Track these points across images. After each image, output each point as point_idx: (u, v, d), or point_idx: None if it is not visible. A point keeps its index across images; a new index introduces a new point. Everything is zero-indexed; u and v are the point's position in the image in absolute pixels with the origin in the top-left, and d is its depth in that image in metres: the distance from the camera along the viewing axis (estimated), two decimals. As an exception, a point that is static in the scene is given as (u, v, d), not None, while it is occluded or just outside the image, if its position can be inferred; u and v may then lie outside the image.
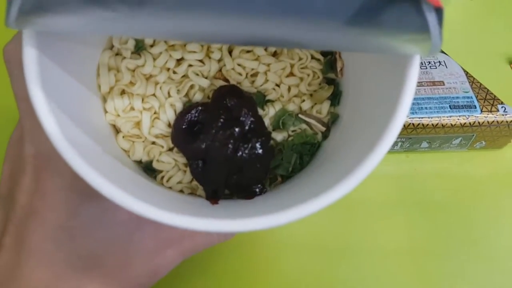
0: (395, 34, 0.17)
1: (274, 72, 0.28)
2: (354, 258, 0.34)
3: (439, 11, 0.17)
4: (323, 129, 0.28)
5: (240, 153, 0.25)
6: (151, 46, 0.27)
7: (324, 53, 0.28)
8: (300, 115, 0.28)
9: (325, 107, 0.28)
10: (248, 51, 0.28)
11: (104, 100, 0.27)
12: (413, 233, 0.34)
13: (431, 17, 0.17)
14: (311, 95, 0.28)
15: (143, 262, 0.26)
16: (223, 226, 0.19)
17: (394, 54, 0.20)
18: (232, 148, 0.25)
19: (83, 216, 0.25)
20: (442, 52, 0.37)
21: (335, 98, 0.28)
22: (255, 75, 0.28)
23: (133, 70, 0.27)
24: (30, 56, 0.19)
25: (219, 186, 0.26)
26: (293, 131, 0.28)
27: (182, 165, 0.27)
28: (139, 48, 0.27)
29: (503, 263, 0.34)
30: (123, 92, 0.27)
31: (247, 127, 0.26)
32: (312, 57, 0.28)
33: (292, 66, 0.28)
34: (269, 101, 0.28)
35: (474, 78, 0.36)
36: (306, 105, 0.28)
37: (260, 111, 0.27)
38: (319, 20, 0.16)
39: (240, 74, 0.27)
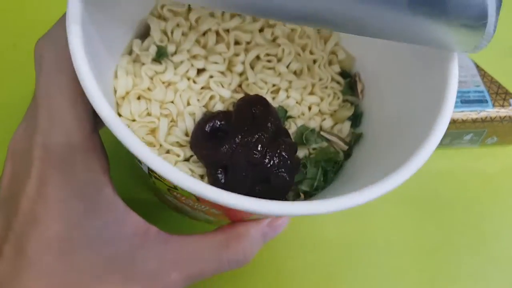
0: (454, 18, 0.18)
1: (295, 89, 0.27)
2: (361, 255, 0.32)
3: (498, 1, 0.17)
4: (345, 147, 0.27)
5: (268, 160, 0.24)
6: (173, 54, 0.26)
7: (344, 76, 0.29)
8: (322, 133, 0.27)
9: (346, 127, 0.27)
10: (269, 68, 0.28)
11: (118, 105, 0.25)
12: (423, 231, 0.33)
13: (491, 4, 0.17)
14: (331, 115, 0.28)
15: (145, 283, 0.23)
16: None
17: (439, 45, 0.20)
18: (259, 153, 0.23)
19: (86, 228, 0.22)
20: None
21: (356, 118, 0.28)
22: (275, 92, 0.27)
23: (152, 78, 0.26)
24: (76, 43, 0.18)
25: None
26: (314, 149, 0.27)
27: (199, 177, 0.25)
28: (161, 55, 0.26)
29: None
30: (139, 98, 0.26)
31: (274, 135, 0.24)
32: (332, 79, 0.28)
33: (313, 85, 0.28)
34: (290, 117, 0.27)
35: (485, 72, 0.35)
36: (327, 124, 0.27)
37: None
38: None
39: (261, 88, 0.27)
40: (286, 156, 0.24)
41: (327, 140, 0.27)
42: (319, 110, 0.28)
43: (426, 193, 0.34)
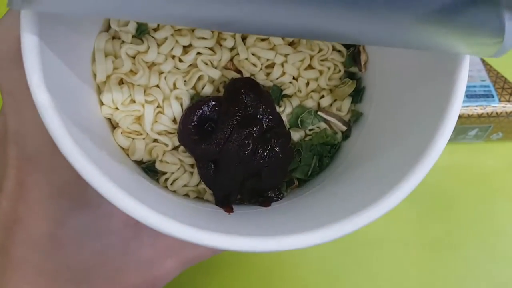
0: (468, 35, 0.15)
1: (291, 64, 0.25)
2: (362, 251, 0.33)
3: None
4: (344, 128, 0.25)
5: (259, 155, 0.22)
6: (155, 30, 0.24)
7: (346, 45, 0.26)
8: (319, 113, 0.25)
9: (346, 104, 0.25)
10: (263, 39, 0.25)
11: (99, 90, 0.24)
12: (426, 226, 0.33)
13: (509, 25, 0.15)
14: (330, 90, 0.26)
15: (139, 273, 0.23)
16: (239, 244, 0.16)
17: (447, 52, 0.18)
18: (250, 150, 0.22)
19: (73, 225, 0.22)
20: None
21: (357, 94, 0.26)
22: (270, 66, 0.25)
23: (134, 57, 0.24)
24: (30, 44, 0.15)
25: (232, 191, 0.23)
26: (311, 130, 0.25)
27: (189, 166, 0.24)
28: (142, 31, 0.24)
29: None
30: (121, 82, 0.24)
31: (265, 126, 0.23)
32: (334, 49, 0.26)
33: (311, 58, 0.25)
34: (285, 96, 0.25)
35: (491, 66, 0.34)
36: (325, 102, 0.25)
37: (277, 108, 0.25)
38: (394, 12, 0.14)
39: (254, 65, 0.25)
40: (278, 150, 0.23)
41: (325, 120, 0.25)
42: (318, 85, 0.25)
43: (430, 188, 0.34)
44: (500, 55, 0.17)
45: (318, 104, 0.26)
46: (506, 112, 0.32)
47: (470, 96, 0.32)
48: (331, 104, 0.26)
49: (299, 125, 0.25)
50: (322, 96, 0.25)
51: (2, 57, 0.20)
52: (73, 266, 0.22)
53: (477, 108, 0.32)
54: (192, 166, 0.24)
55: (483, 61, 0.34)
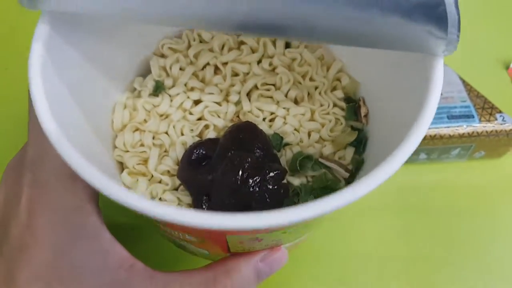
0: (418, 25, 0.17)
1: (293, 116, 0.26)
2: (350, 266, 0.32)
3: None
4: (347, 175, 0.25)
5: (249, 185, 0.22)
6: (170, 87, 0.27)
7: (347, 100, 0.27)
8: (320, 159, 0.25)
9: (349, 153, 0.25)
10: (267, 97, 0.27)
11: (116, 137, 0.26)
12: (412, 243, 0.33)
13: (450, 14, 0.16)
14: (333, 141, 0.26)
15: None
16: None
17: (416, 49, 0.19)
18: (240, 179, 0.22)
19: (72, 256, 0.22)
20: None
21: (360, 144, 0.26)
22: (273, 119, 0.27)
23: (149, 111, 0.27)
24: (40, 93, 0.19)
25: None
26: (312, 176, 0.25)
27: (186, 205, 0.24)
28: (158, 88, 0.27)
29: (503, 273, 0.32)
30: (136, 130, 0.26)
31: (260, 160, 0.23)
32: (335, 105, 0.27)
33: (313, 112, 0.27)
34: (287, 144, 0.26)
35: (471, 87, 0.34)
36: (327, 151, 0.26)
37: (277, 154, 0.25)
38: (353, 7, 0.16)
39: (257, 116, 0.26)
40: (270, 181, 0.23)
41: (327, 167, 0.25)
42: (320, 137, 0.26)
43: (415, 206, 0.34)
44: (452, 49, 0.17)
45: (321, 153, 0.26)
46: (486, 132, 0.33)
47: (451, 117, 0.33)
48: (333, 154, 0.26)
49: (298, 168, 0.24)
50: (324, 146, 0.26)
51: None
52: None
53: (458, 128, 0.32)
54: (189, 205, 0.24)
55: (464, 81, 0.35)
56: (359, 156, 0.26)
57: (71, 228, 0.22)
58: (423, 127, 0.18)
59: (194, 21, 0.20)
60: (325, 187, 0.24)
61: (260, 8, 0.18)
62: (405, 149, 0.17)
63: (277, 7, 0.18)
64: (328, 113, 0.27)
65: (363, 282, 0.31)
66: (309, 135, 0.26)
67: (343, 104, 0.27)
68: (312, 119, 0.26)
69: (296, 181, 0.25)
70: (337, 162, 0.25)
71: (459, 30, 0.17)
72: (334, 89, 0.28)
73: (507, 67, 0.40)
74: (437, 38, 0.17)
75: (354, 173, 0.25)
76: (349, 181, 0.25)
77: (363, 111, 0.26)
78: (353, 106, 0.27)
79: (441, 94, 0.31)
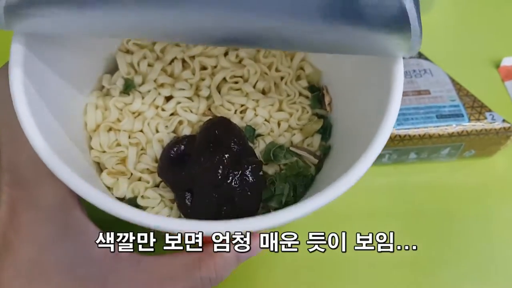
0: (376, 27, 0.18)
1: (263, 107, 0.28)
2: (339, 269, 0.32)
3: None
4: (316, 161, 0.27)
5: (230, 180, 0.24)
6: (140, 85, 0.27)
7: (311, 90, 0.29)
8: (291, 148, 0.27)
9: (316, 140, 0.27)
10: (237, 89, 0.28)
11: (90, 138, 0.26)
12: (401, 243, 0.30)
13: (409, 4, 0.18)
14: (301, 129, 0.28)
15: None
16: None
17: (379, 53, 0.20)
18: (221, 175, 0.24)
19: (57, 251, 0.23)
20: (427, 59, 0.36)
21: (326, 131, 0.28)
22: (244, 111, 0.28)
23: (121, 109, 0.27)
24: (18, 83, 0.20)
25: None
26: (284, 164, 0.27)
27: (169, 201, 0.26)
28: (128, 86, 0.27)
29: (494, 273, 0.32)
30: (110, 130, 0.27)
31: (237, 155, 0.25)
32: (300, 94, 0.29)
33: (280, 102, 0.28)
34: (259, 135, 0.27)
35: (460, 86, 0.35)
36: (296, 139, 0.27)
37: (251, 145, 0.27)
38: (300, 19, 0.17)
39: (229, 110, 0.27)
40: (249, 175, 0.24)
41: (298, 155, 0.27)
42: (289, 126, 0.28)
43: (405, 206, 0.34)
44: (413, 53, 0.19)
45: (291, 141, 0.27)
46: (476, 130, 0.33)
47: (440, 116, 0.33)
48: (303, 141, 0.28)
49: (272, 158, 0.26)
50: (294, 134, 0.28)
51: (2, 92, 0.23)
52: None
53: (447, 127, 0.32)
54: (171, 201, 0.25)
55: (453, 81, 0.35)
56: (325, 143, 0.28)
57: (55, 223, 0.22)
58: (383, 139, 0.20)
59: (169, 37, 0.21)
60: (297, 174, 0.26)
61: (239, 27, 0.19)
62: (371, 151, 0.19)
63: (254, 25, 0.19)
64: (294, 103, 0.28)
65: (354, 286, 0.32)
66: (278, 124, 0.28)
67: (308, 93, 0.28)
68: (280, 109, 0.28)
69: (270, 170, 0.26)
70: (307, 149, 0.27)
71: (420, 37, 0.19)
72: (298, 78, 0.29)
73: (498, 66, 0.40)
74: (400, 45, 0.19)
75: (322, 159, 0.27)
76: (318, 166, 0.27)
77: (327, 99, 0.28)
78: (317, 95, 0.28)
79: (430, 93, 0.33)
